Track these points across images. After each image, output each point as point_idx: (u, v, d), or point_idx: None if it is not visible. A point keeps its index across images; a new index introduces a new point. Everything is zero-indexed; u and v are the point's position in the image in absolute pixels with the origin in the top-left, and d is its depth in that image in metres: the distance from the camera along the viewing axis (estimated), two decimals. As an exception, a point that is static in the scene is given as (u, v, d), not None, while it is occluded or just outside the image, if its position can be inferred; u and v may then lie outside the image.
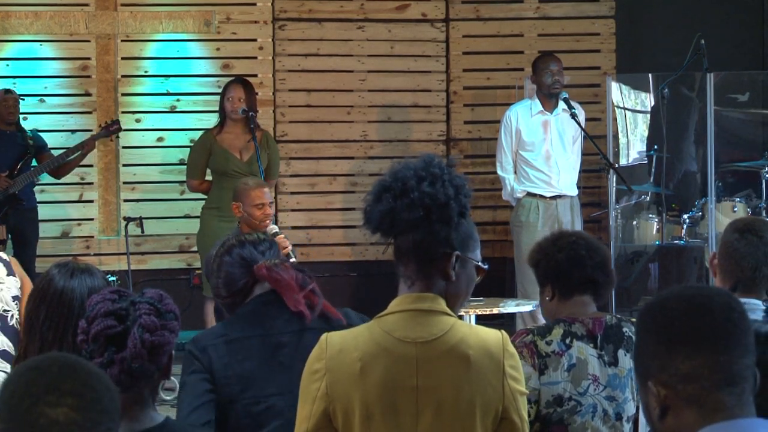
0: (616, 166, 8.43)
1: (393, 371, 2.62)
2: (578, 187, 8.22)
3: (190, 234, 8.58)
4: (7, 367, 4.00)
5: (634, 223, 8.92)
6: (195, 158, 7.98)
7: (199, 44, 9.26)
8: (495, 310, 6.83)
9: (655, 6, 9.90)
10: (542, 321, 7.34)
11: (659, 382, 1.97)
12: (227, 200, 7.65)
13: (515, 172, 8.15)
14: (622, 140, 9.43)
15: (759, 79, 9.50)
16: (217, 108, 8.11)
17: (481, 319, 6.38)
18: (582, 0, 9.69)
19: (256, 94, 8.13)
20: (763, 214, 8.25)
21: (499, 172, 8.21)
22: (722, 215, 8.39)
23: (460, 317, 2.76)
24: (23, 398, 1.77)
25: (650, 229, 8.79)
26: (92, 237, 9.15)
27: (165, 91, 9.20)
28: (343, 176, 9.46)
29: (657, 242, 8.60)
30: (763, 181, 8.43)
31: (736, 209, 8.46)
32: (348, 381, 2.63)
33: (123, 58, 9.17)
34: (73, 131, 8.98)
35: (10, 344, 4.05)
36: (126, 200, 9.15)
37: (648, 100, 9.51)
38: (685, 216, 8.55)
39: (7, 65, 9.04)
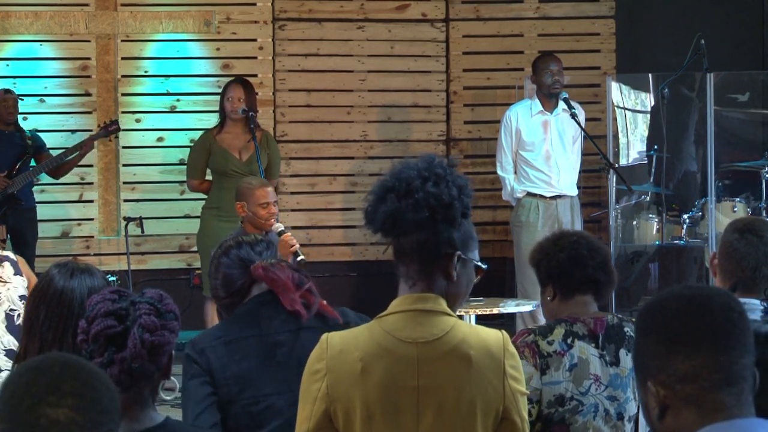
0: (616, 166, 8.43)
1: (394, 371, 2.62)
2: (578, 187, 8.22)
3: (190, 234, 8.58)
4: None
5: (634, 223, 8.92)
6: (194, 158, 7.98)
7: (199, 44, 9.26)
8: (495, 310, 6.83)
9: (655, 6, 9.90)
10: (542, 321, 7.33)
11: (658, 381, 1.97)
12: (227, 200, 7.65)
13: (515, 172, 8.15)
14: (622, 140, 9.43)
15: (759, 79, 9.50)
16: (217, 108, 8.11)
17: (481, 319, 6.38)
18: (582, 0, 9.69)
19: (256, 94, 8.13)
20: (763, 214, 8.25)
21: (499, 172, 8.21)
22: (722, 215, 8.39)
23: (460, 317, 2.76)
24: (24, 398, 1.77)
25: (650, 229, 8.79)
26: (92, 237, 9.15)
27: (165, 91, 9.20)
28: (343, 176, 9.46)
29: (657, 242, 8.60)
30: (763, 181, 8.43)
31: (736, 209, 8.46)
32: (349, 381, 2.63)
33: (123, 58, 9.17)
34: (73, 131, 8.98)
35: (17, 343, 4.05)
36: (126, 200, 9.16)
37: (648, 100, 9.51)
38: (685, 216, 8.55)
39: (7, 65, 9.04)
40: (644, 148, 9.29)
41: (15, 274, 4.23)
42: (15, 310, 4.14)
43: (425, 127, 9.58)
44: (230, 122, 7.84)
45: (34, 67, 9.09)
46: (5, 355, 4.13)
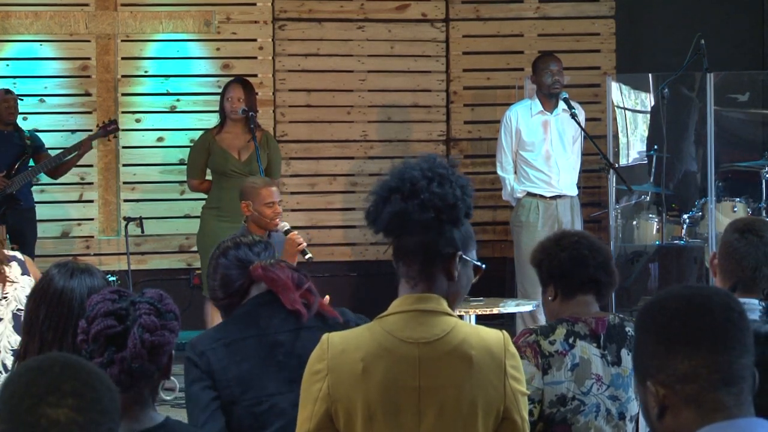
0: (616, 166, 8.43)
1: (395, 372, 2.62)
2: (578, 187, 8.22)
3: (190, 234, 8.58)
4: None
5: (634, 223, 8.92)
6: (194, 158, 7.98)
7: (199, 44, 9.26)
8: (495, 310, 6.83)
9: (655, 6, 9.90)
10: (542, 321, 7.34)
11: (658, 381, 1.97)
12: (227, 200, 7.64)
13: (515, 172, 8.15)
14: (622, 140, 9.43)
15: (759, 79, 9.50)
16: (217, 108, 8.11)
17: (481, 319, 6.38)
18: (582, 0, 9.69)
19: (256, 94, 8.13)
20: (763, 214, 8.25)
21: (499, 172, 8.21)
22: (722, 215, 8.39)
23: (460, 317, 2.76)
24: (24, 398, 1.77)
25: (650, 229, 8.79)
26: (92, 237, 9.15)
27: (165, 91, 9.20)
28: (343, 176, 9.46)
29: (657, 242, 8.60)
30: (763, 181, 8.43)
31: (736, 209, 8.47)
32: (350, 381, 2.63)
33: (123, 58, 9.17)
34: (73, 131, 8.98)
35: None
36: (126, 200, 9.16)
37: (648, 100, 9.51)
38: (685, 216, 8.55)
39: (7, 65, 9.04)
40: (644, 148, 9.29)
41: (22, 274, 4.25)
42: (22, 310, 4.15)
43: (425, 127, 9.58)
44: (230, 122, 7.84)
45: (34, 67, 9.09)
46: (13, 355, 4.14)
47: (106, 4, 9.11)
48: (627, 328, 3.56)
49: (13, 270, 4.28)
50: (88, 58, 9.11)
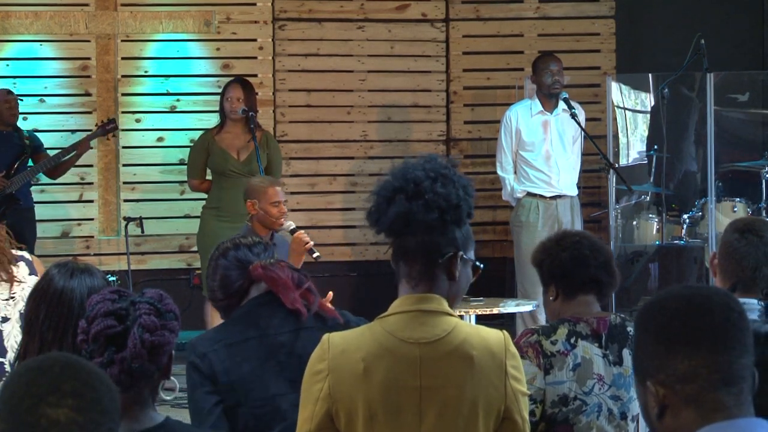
0: (616, 166, 8.43)
1: (396, 372, 2.62)
2: (578, 187, 8.22)
3: (190, 234, 8.58)
4: None
5: (634, 223, 8.92)
6: (194, 158, 7.99)
7: (199, 44, 9.26)
8: (495, 310, 6.83)
9: (655, 6, 9.90)
10: (542, 321, 7.35)
11: (658, 381, 1.97)
12: (226, 200, 7.64)
13: (515, 172, 8.15)
14: (622, 140, 9.43)
15: (759, 79, 9.50)
16: (217, 108, 8.11)
17: (481, 319, 6.38)
18: (582, 0, 9.69)
19: (256, 94, 8.13)
20: (763, 214, 8.25)
21: (499, 172, 8.21)
22: (722, 215, 8.39)
23: (460, 317, 2.76)
24: (24, 398, 1.77)
25: (650, 229, 8.79)
26: (92, 237, 9.15)
27: (165, 91, 9.20)
28: (343, 176, 9.46)
29: (657, 242, 8.60)
30: (763, 181, 8.43)
31: (736, 209, 8.47)
32: (351, 381, 2.63)
33: (123, 58, 9.17)
34: (73, 131, 8.98)
35: None
36: (126, 200, 9.16)
37: (648, 100, 9.51)
38: (685, 216, 8.55)
39: (7, 65, 9.04)
40: (644, 148, 9.29)
41: (30, 274, 4.25)
42: None
43: (425, 127, 9.58)
44: (230, 122, 7.84)
45: (34, 67, 9.09)
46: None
47: (106, 4, 9.11)
48: (628, 328, 3.56)
49: (20, 270, 4.28)
50: (88, 58, 9.11)
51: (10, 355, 4.16)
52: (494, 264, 8.86)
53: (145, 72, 9.19)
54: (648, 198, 9.05)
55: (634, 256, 8.64)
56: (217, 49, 9.27)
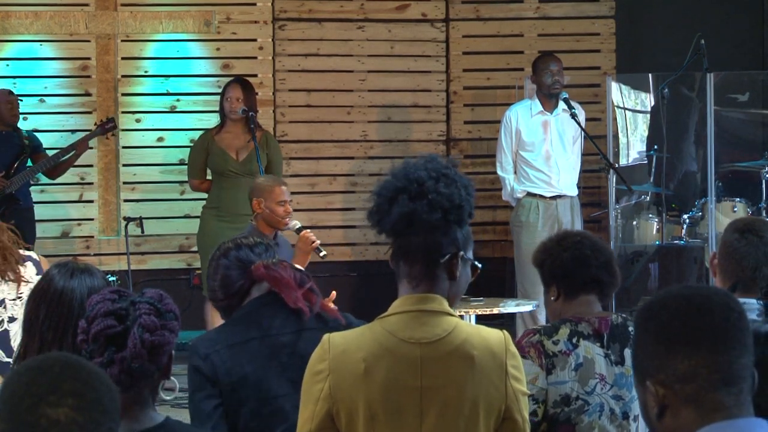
0: (616, 166, 8.43)
1: (397, 372, 2.63)
2: (578, 187, 8.22)
3: (190, 234, 8.58)
4: None
5: (634, 223, 8.92)
6: (194, 158, 7.99)
7: (199, 44, 9.26)
8: (495, 310, 6.83)
9: (655, 6, 9.90)
10: (542, 321, 7.34)
11: (657, 381, 1.97)
12: (226, 200, 7.65)
13: (515, 172, 8.15)
14: (622, 140, 9.43)
15: (759, 79, 9.50)
16: (217, 108, 8.11)
17: (481, 319, 6.38)
18: (582, 0, 9.69)
19: (256, 94, 8.13)
20: (763, 214, 8.25)
21: (499, 172, 8.21)
22: (722, 215, 8.39)
23: (460, 317, 2.76)
24: (24, 398, 1.77)
25: (650, 229, 8.79)
26: (92, 237, 9.15)
27: (165, 91, 9.20)
28: (343, 176, 9.46)
29: (657, 242, 8.60)
30: (763, 181, 8.43)
31: (736, 209, 8.46)
32: (352, 382, 2.63)
33: (123, 58, 9.17)
34: (72, 131, 8.97)
35: None
36: (126, 200, 9.15)
37: (648, 100, 9.51)
38: (685, 216, 8.55)
39: (7, 65, 9.04)
40: (644, 148, 9.29)
41: (37, 274, 4.25)
42: None
43: (425, 127, 9.58)
44: (230, 122, 7.84)
45: (34, 67, 9.09)
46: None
47: (106, 4, 9.10)
48: (630, 328, 3.56)
49: (28, 270, 4.29)
50: (88, 58, 9.11)
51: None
52: (494, 264, 8.86)
53: (145, 72, 9.19)
54: (648, 198, 9.05)
55: (634, 256, 8.64)
56: (217, 49, 9.27)
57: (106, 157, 9.17)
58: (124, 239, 8.34)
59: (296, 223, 6.30)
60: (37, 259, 4.36)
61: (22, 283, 4.22)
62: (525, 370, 2.79)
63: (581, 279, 3.57)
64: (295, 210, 9.31)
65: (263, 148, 7.77)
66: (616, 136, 9.25)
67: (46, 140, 8.58)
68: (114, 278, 6.93)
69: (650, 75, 9.40)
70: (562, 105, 8.04)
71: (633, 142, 9.54)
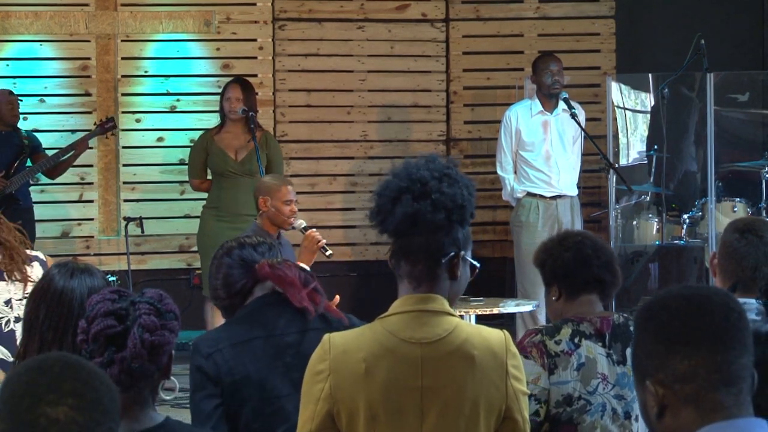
0: (616, 166, 8.43)
1: (397, 372, 2.62)
2: (578, 187, 8.22)
3: (190, 234, 8.58)
4: None
5: (634, 223, 8.92)
6: (194, 158, 7.99)
7: (199, 44, 9.26)
8: (495, 310, 6.83)
9: (655, 6, 9.90)
10: (542, 321, 7.34)
11: (657, 381, 1.97)
12: (226, 200, 7.65)
13: (515, 172, 8.16)
14: (622, 140, 9.43)
15: (759, 79, 9.50)
16: (217, 108, 8.12)
17: (481, 319, 6.38)
18: (582, 0, 9.69)
19: (256, 94, 8.13)
20: (763, 214, 8.25)
21: (499, 172, 8.21)
22: (722, 215, 8.39)
23: (460, 317, 2.76)
24: (24, 398, 1.77)
25: (650, 229, 8.79)
26: (92, 237, 9.15)
27: (165, 91, 9.20)
28: (343, 176, 9.46)
29: (657, 242, 8.60)
30: (763, 181, 8.43)
31: (736, 209, 8.46)
32: (352, 382, 2.62)
33: (123, 58, 9.17)
34: (73, 131, 8.97)
35: None
36: (126, 200, 9.15)
37: (648, 100, 9.51)
38: (685, 216, 8.55)
39: (7, 65, 9.04)
40: (644, 148, 9.29)
41: None
42: None
43: (425, 127, 9.58)
44: (230, 122, 7.84)
45: (34, 67, 9.09)
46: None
47: (106, 4, 9.10)
48: (632, 328, 3.57)
49: (35, 270, 4.29)
50: (88, 58, 9.11)
51: None
52: (494, 264, 8.87)
53: (145, 72, 9.19)
54: (648, 198, 9.05)
55: (634, 256, 8.64)
56: (217, 49, 9.27)
57: (106, 157, 9.17)
58: (124, 239, 8.34)
59: (302, 222, 6.28)
60: (44, 259, 4.36)
61: (29, 284, 4.21)
62: (527, 370, 2.79)
63: (583, 279, 3.58)
64: (295, 210, 9.37)
65: (263, 148, 7.76)
66: (616, 136, 9.25)
67: (46, 140, 8.58)
68: (114, 278, 6.93)
69: (650, 75, 9.40)
70: (562, 105, 8.04)
71: (633, 142, 9.54)
